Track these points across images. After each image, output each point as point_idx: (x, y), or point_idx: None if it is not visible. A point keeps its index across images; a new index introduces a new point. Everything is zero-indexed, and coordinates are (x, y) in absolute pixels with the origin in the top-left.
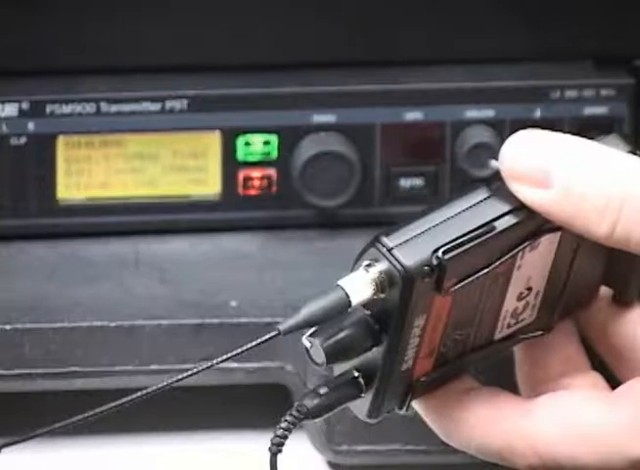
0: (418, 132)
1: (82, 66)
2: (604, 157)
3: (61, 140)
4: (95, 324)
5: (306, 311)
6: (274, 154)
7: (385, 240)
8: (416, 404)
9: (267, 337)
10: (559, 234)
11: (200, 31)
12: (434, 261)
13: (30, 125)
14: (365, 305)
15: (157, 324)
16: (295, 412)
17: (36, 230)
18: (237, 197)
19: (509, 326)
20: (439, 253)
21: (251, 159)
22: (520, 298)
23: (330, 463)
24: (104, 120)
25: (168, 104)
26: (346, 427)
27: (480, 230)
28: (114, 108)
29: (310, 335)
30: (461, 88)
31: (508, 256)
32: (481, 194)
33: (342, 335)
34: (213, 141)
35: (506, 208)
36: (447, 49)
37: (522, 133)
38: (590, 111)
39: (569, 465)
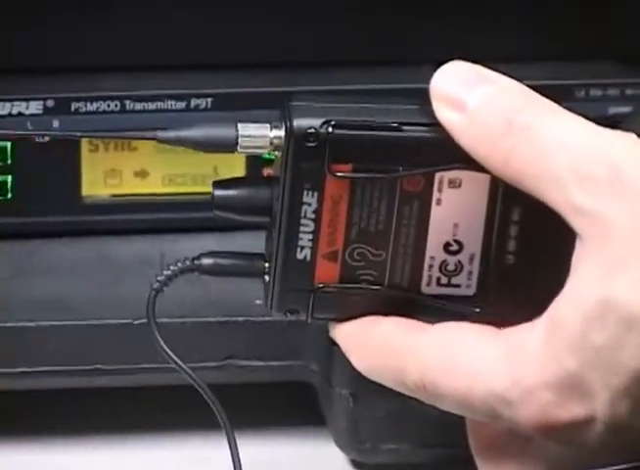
0: None
1: (107, 63)
2: (518, 92)
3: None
4: (119, 322)
5: (191, 130)
6: None
7: (293, 98)
8: (332, 330)
9: (143, 135)
10: (487, 182)
11: (225, 29)
12: (322, 130)
13: (55, 123)
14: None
15: (181, 322)
16: (188, 262)
17: (60, 228)
18: None
19: (439, 283)
20: (331, 124)
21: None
22: (448, 250)
23: (354, 462)
24: (128, 118)
25: (193, 102)
26: (371, 426)
27: (386, 125)
28: (138, 106)
29: (215, 181)
30: None
31: (414, 171)
32: (411, 104)
33: (236, 189)
34: None
35: (424, 120)
36: (471, 48)
37: (455, 61)
38: (615, 110)
39: (442, 389)
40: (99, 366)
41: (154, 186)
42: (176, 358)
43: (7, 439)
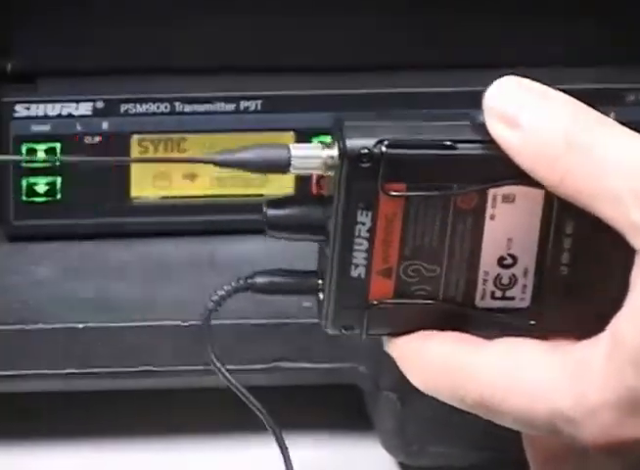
0: None
1: (157, 65)
2: (573, 108)
3: (134, 139)
4: (168, 323)
5: (243, 152)
6: None
7: (344, 119)
8: (387, 345)
9: (200, 158)
10: (541, 197)
11: (274, 33)
12: (375, 149)
13: (104, 124)
14: (326, 191)
15: (230, 324)
16: (241, 281)
17: (110, 229)
18: None
19: (494, 297)
20: (384, 143)
21: None
22: (502, 264)
23: (401, 464)
24: (178, 120)
25: (242, 104)
26: (418, 428)
27: (439, 143)
28: (187, 107)
29: (267, 201)
30: None
31: (468, 188)
32: (462, 120)
33: (289, 208)
34: (287, 141)
35: (477, 137)
36: (521, 52)
37: (507, 77)
38: None
39: (503, 408)
40: (147, 368)
41: (203, 188)
42: (232, 379)
43: (60, 439)
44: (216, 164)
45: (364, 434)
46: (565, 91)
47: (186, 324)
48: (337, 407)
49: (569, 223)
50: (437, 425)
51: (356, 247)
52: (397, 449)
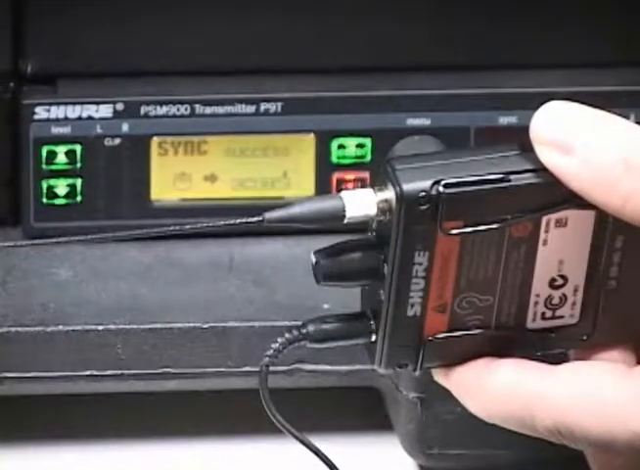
0: (512, 136)
1: (177, 67)
2: (627, 130)
3: (155, 141)
4: (188, 325)
5: (297, 207)
6: (368, 157)
7: (393, 162)
8: (440, 376)
9: (249, 220)
10: (592, 217)
11: (294, 34)
12: (433, 191)
13: (125, 126)
14: (378, 234)
15: (249, 326)
16: (295, 332)
17: (130, 231)
18: None
19: (544, 317)
20: (441, 184)
21: (344, 161)
22: (553, 285)
23: (422, 467)
24: (198, 122)
25: (263, 106)
26: (438, 431)
27: (494, 177)
28: (208, 109)
29: (316, 251)
30: (556, 93)
31: (524, 217)
32: (510, 150)
33: (342, 256)
34: (307, 143)
35: (528, 166)
36: (543, 54)
37: (553, 103)
38: None
39: (578, 433)
40: (168, 370)
41: (223, 190)
42: (292, 429)
43: (79, 440)
44: (267, 222)
45: (384, 436)
46: (583, 93)
47: (206, 326)
48: (356, 409)
49: (618, 238)
50: (458, 427)
51: (413, 287)
52: (417, 452)
